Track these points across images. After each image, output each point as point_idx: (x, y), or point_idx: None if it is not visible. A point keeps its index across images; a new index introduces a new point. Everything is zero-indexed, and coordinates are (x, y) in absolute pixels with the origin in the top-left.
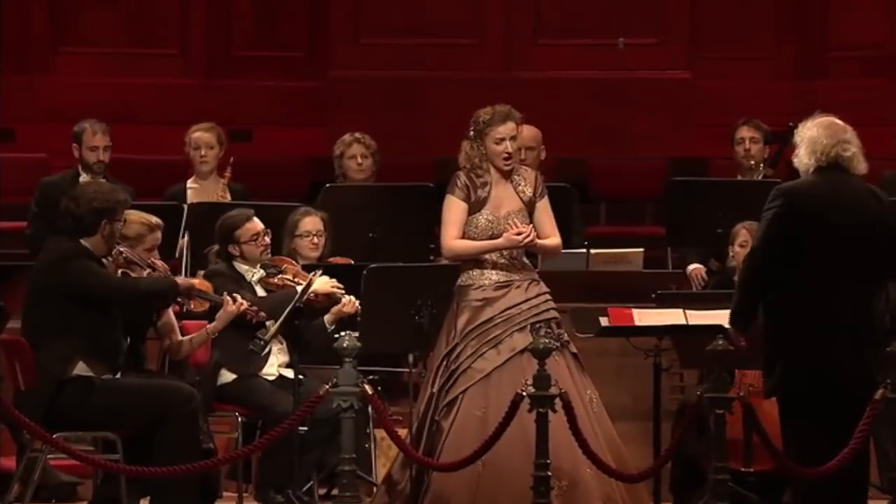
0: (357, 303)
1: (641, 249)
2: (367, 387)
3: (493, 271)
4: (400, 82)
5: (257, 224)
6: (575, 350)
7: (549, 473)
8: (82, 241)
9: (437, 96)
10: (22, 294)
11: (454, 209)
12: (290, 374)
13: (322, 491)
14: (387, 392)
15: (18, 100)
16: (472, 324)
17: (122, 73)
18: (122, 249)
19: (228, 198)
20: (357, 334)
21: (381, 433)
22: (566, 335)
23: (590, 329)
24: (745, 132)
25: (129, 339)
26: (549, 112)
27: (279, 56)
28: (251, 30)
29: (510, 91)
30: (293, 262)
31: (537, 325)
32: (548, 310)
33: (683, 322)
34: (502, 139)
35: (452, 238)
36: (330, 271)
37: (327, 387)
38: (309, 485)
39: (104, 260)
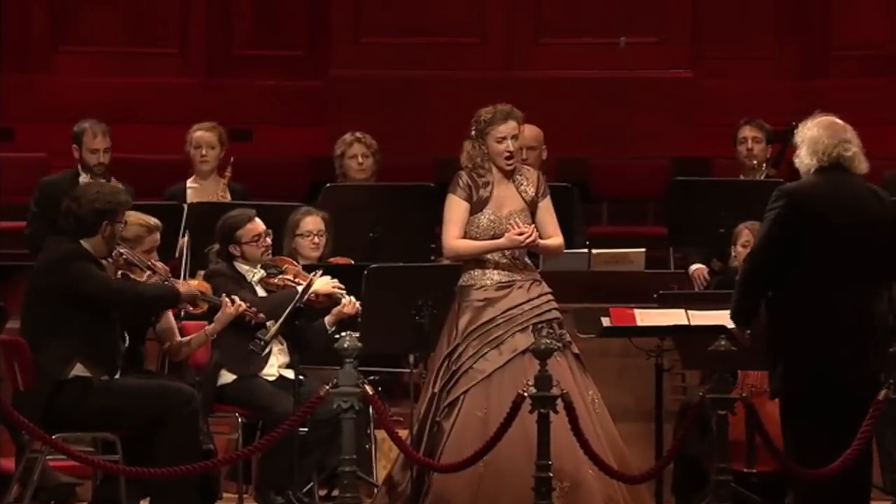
0: (357, 303)
1: (643, 249)
2: (367, 387)
3: (495, 271)
4: (401, 82)
5: (259, 225)
6: (577, 350)
7: (551, 474)
8: (83, 241)
9: (438, 96)
10: (21, 294)
11: (456, 209)
12: (290, 374)
13: (322, 492)
14: (387, 393)
15: (18, 99)
16: (473, 324)
17: (122, 72)
18: (122, 251)
19: (228, 197)
20: (358, 335)
21: (381, 434)
22: (568, 335)
23: (591, 329)
24: (747, 132)
25: (128, 340)
26: (550, 112)
27: (279, 55)
28: (251, 29)
29: (511, 90)
30: (294, 262)
31: (539, 326)
32: (550, 310)
33: (685, 322)
34: (504, 138)
35: (454, 238)
36: (330, 271)
37: (328, 387)
38: (309, 486)
39: (104, 261)
